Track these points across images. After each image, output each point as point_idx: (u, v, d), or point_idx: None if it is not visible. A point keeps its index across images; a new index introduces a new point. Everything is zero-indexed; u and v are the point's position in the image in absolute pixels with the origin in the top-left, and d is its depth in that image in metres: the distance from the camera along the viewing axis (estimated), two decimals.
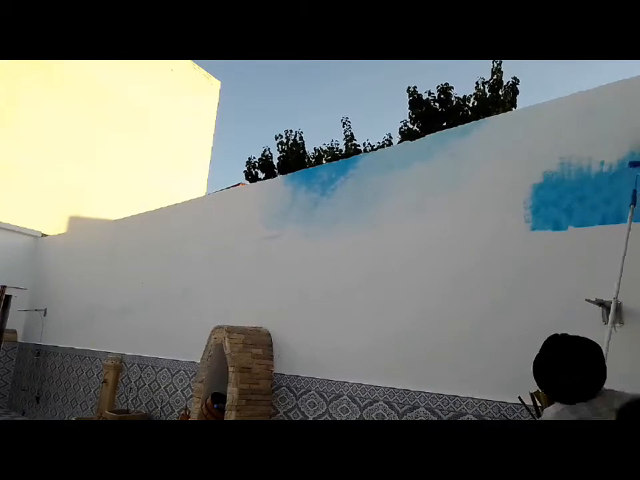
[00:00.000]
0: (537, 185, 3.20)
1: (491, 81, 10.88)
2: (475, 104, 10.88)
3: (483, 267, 3.34)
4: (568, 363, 1.72)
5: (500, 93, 10.84)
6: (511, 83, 10.83)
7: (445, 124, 10.19)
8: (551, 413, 1.74)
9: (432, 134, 4.05)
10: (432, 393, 3.35)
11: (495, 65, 10.86)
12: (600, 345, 1.78)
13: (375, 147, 12.00)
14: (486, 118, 3.90)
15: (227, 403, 4.16)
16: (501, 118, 3.83)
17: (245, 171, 14.12)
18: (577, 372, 1.69)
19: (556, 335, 1.84)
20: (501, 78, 10.86)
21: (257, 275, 4.90)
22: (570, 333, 2.61)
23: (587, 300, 2.72)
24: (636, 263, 2.73)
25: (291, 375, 4.33)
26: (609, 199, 2.89)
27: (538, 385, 1.79)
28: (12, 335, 8.40)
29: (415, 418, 3.39)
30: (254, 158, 14.10)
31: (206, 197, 9.19)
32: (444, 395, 3.30)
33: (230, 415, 4.09)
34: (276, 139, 13.70)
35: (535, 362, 1.82)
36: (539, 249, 3.11)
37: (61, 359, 7.47)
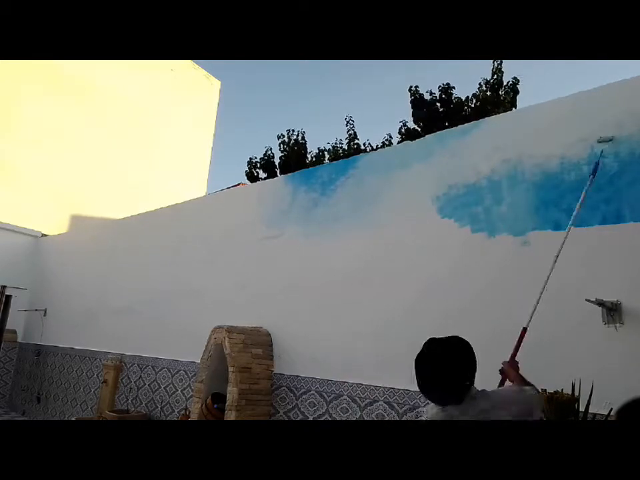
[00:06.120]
0: (536, 185, 3.20)
1: (492, 81, 10.88)
2: (477, 104, 10.89)
3: (482, 266, 3.34)
4: (433, 368, 1.80)
5: (500, 93, 10.85)
6: (511, 83, 10.83)
7: (447, 124, 10.20)
8: (428, 413, 1.86)
9: (432, 134, 4.05)
10: None
11: (496, 65, 10.86)
12: (471, 346, 1.84)
13: (375, 147, 12.01)
14: (486, 118, 3.90)
15: (227, 403, 4.16)
16: (501, 118, 3.83)
17: (246, 171, 14.12)
18: (441, 377, 1.77)
19: (431, 339, 1.89)
20: (501, 78, 10.86)
21: (257, 275, 4.90)
22: (569, 333, 2.61)
23: (587, 300, 2.72)
24: (635, 263, 2.73)
25: (291, 375, 4.33)
26: (609, 198, 2.89)
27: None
28: (12, 335, 8.40)
29: (415, 418, 3.39)
30: (255, 158, 14.11)
31: (206, 196, 9.19)
32: None
33: (230, 415, 4.09)
34: (278, 139, 13.70)
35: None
36: (539, 249, 3.11)
37: (61, 358, 7.47)
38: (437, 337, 1.89)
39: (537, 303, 2.63)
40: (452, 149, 3.72)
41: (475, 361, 1.82)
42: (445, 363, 1.77)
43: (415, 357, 1.87)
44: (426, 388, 1.82)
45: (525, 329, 2.58)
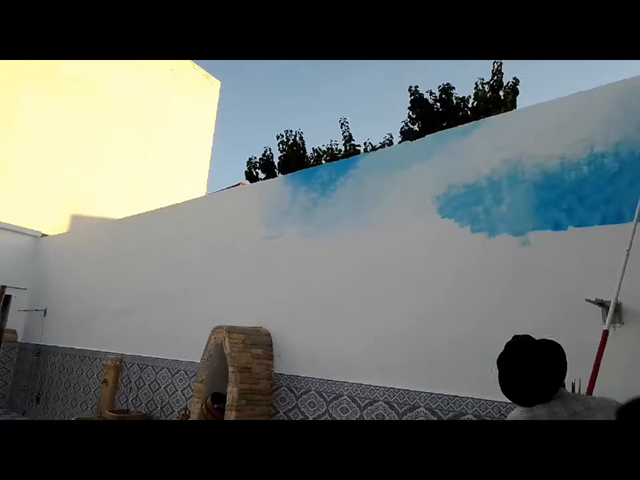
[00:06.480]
0: (536, 185, 3.20)
1: (492, 82, 10.90)
2: (475, 104, 10.90)
3: (483, 267, 3.34)
4: (521, 365, 1.68)
5: (500, 93, 10.86)
6: (511, 83, 10.84)
7: (445, 124, 10.21)
8: (511, 416, 1.73)
9: (432, 134, 4.05)
10: (432, 393, 3.35)
11: (496, 67, 10.88)
12: (562, 347, 1.74)
13: (375, 147, 12.01)
14: (486, 118, 3.90)
15: (227, 403, 4.16)
16: (501, 118, 3.83)
17: (245, 171, 14.14)
18: (530, 374, 1.66)
19: (517, 337, 1.79)
20: (502, 79, 10.88)
21: (257, 275, 4.90)
22: (570, 334, 2.62)
23: (587, 300, 2.72)
24: (636, 263, 2.73)
25: (291, 375, 4.33)
26: (609, 198, 2.89)
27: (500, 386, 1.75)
28: (12, 335, 8.41)
29: (415, 418, 3.39)
30: (255, 158, 14.12)
31: (206, 196, 9.19)
32: (444, 394, 3.29)
33: (230, 415, 4.09)
34: (277, 139, 13.72)
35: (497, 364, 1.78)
36: (539, 249, 3.11)
37: (61, 358, 7.47)
38: (520, 334, 1.79)
39: (619, 284, 2.54)
40: (452, 149, 3.72)
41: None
42: (544, 364, 1.67)
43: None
44: (516, 390, 1.69)
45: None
